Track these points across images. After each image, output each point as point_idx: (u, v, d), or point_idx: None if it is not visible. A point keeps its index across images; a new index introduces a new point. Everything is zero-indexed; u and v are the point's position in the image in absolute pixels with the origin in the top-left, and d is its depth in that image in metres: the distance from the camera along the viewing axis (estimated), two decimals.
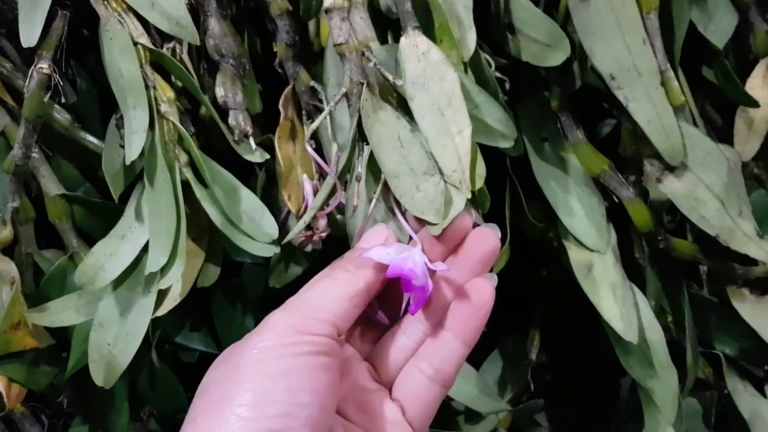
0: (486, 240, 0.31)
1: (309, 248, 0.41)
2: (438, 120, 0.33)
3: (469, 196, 0.32)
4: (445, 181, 0.32)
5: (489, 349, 0.49)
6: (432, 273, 0.30)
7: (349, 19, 0.33)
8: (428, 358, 0.30)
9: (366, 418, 0.30)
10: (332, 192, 0.33)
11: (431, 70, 0.33)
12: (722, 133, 0.48)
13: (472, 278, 0.31)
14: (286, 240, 0.34)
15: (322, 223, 0.37)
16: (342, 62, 0.33)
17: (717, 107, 0.49)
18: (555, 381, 0.51)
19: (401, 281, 0.29)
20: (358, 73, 0.33)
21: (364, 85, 0.32)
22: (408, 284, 0.29)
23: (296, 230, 0.34)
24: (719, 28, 0.45)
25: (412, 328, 0.31)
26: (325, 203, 0.34)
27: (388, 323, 0.32)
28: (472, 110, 0.33)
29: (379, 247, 0.30)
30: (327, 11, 0.32)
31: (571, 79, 0.44)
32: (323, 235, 0.37)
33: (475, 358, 0.49)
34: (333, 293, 0.28)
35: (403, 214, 0.32)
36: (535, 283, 0.49)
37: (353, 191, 0.33)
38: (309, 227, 0.36)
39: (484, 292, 0.30)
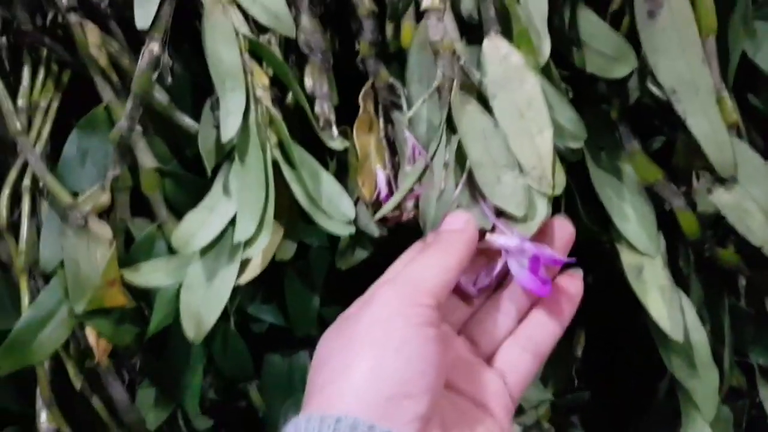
0: (564, 229, 0.35)
1: (377, 234, 0.43)
2: (517, 120, 0.36)
3: (550, 193, 0.35)
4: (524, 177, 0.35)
5: None
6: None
7: (444, 20, 0.36)
8: (530, 334, 0.34)
9: (471, 387, 0.33)
10: (420, 177, 0.36)
11: (511, 73, 0.37)
12: (763, 156, 0.51)
13: None
14: (378, 216, 0.37)
15: (410, 204, 0.39)
16: (435, 59, 0.36)
17: (761, 133, 0.51)
18: (592, 382, 0.53)
19: (528, 264, 0.33)
20: (450, 69, 0.36)
21: (455, 80, 0.36)
22: (535, 268, 0.33)
23: (387, 208, 0.37)
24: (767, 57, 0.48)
25: (507, 306, 0.35)
26: (413, 187, 0.37)
27: (476, 295, 0.35)
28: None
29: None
30: (425, 12, 0.35)
31: (628, 94, 0.47)
32: (411, 215, 0.40)
33: None
34: (433, 266, 0.31)
35: (491, 204, 0.35)
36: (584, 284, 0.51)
37: (440, 177, 0.36)
38: (397, 208, 0.39)
39: (577, 283, 0.36)
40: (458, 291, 0.35)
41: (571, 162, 0.46)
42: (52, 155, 0.43)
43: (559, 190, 0.36)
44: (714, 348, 0.47)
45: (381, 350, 0.27)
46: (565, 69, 0.46)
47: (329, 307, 0.47)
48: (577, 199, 0.46)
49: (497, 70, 0.37)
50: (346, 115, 0.44)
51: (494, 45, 0.37)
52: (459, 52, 0.37)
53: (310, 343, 0.47)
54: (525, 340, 0.34)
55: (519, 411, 0.49)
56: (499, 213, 0.36)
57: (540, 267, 0.33)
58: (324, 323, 0.47)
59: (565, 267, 0.37)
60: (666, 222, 0.46)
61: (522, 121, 0.36)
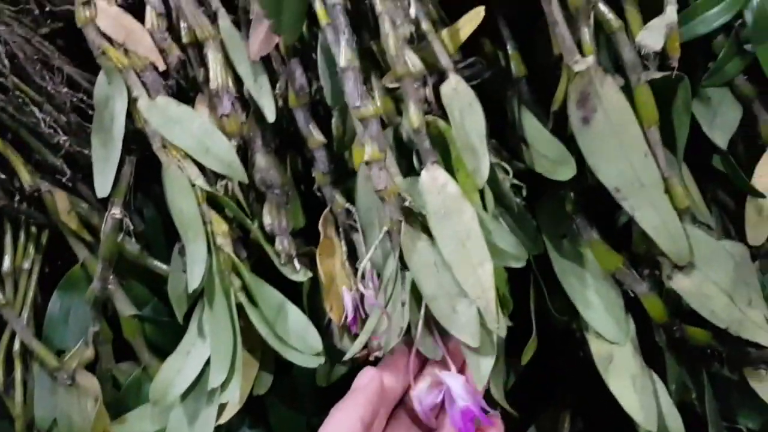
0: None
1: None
2: (460, 250, 0.38)
3: (496, 324, 0.36)
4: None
5: (524, 428, 0.52)
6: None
7: (385, 167, 0.37)
8: None
9: None
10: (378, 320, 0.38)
11: (450, 203, 0.38)
12: (736, 216, 0.51)
13: None
14: (343, 360, 0.39)
15: (376, 343, 0.41)
16: (382, 204, 0.38)
17: (729, 192, 0.51)
18: None
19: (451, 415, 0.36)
20: (397, 213, 0.38)
21: (402, 222, 0.37)
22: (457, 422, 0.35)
23: (352, 352, 0.39)
24: (724, 123, 0.49)
25: None
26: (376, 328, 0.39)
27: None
28: (486, 236, 0.38)
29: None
30: (367, 163, 0.37)
31: (586, 178, 0.48)
32: (378, 353, 0.42)
33: None
34: (339, 425, 0.35)
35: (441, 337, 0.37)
36: (565, 366, 0.52)
37: (399, 315, 0.38)
38: (365, 347, 0.41)
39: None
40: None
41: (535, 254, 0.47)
42: (42, 311, 0.46)
43: (502, 328, 0.37)
44: (702, 414, 0.48)
45: None
46: (520, 161, 0.47)
47: (319, 417, 0.48)
48: (544, 289, 0.47)
49: (436, 200, 0.38)
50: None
51: (432, 176, 0.39)
52: (404, 194, 0.39)
53: None
54: None
55: None
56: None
57: (471, 417, 0.35)
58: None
59: None
60: (637, 301, 0.46)
61: (464, 251, 0.38)
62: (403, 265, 0.39)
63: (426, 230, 0.39)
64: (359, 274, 0.39)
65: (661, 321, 0.45)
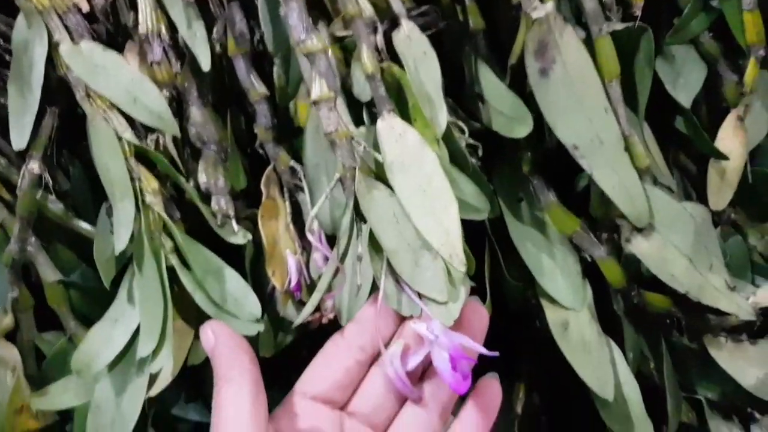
0: (478, 314, 0.35)
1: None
2: (421, 198, 0.35)
3: (464, 270, 0.34)
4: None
5: None
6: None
7: (336, 108, 0.34)
8: None
9: None
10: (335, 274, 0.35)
11: (409, 151, 0.35)
12: (697, 181, 0.49)
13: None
14: (294, 325, 0.36)
15: (329, 303, 0.38)
16: (333, 149, 0.35)
17: (691, 156, 0.50)
18: None
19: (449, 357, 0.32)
20: (349, 158, 0.35)
21: (357, 169, 0.34)
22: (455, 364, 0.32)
23: (304, 315, 0.36)
24: (688, 82, 0.47)
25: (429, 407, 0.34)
26: (329, 286, 0.36)
27: (412, 393, 0.34)
28: None
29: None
30: (315, 103, 0.34)
31: (545, 141, 0.45)
32: (331, 316, 0.39)
33: None
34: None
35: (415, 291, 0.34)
36: (520, 337, 0.50)
37: (356, 271, 0.35)
38: (317, 309, 0.38)
39: (493, 391, 0.35)
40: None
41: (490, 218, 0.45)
42: None
43: (471, 269, 0.34)
44: (661, 385, 0.46)
45: None
46: (477, 121, 0.44)
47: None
48: (500, 256, 0.45)
49: (395, 150, 0.36)
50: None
51: (389, 125, 0.36)
52: (357, 138, 0.36)
53: None
54: None
55: None
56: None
57: (459, 363, 0.32)
58: None
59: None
60: (596, 266, 0.45)
61: (426, 199, 0.35)
62: (359, 217, 0.35)
63: (382, 181, 0.36)
64: (307, 227, 0.36)
65: (619, 286, 0.43)
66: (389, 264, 0.34)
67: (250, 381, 0.31)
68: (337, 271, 0.36)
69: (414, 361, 0.33)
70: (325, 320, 0.39)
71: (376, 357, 0.35)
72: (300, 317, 0.36)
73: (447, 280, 0.34)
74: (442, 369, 0.32)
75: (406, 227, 0.35)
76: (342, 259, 0.36)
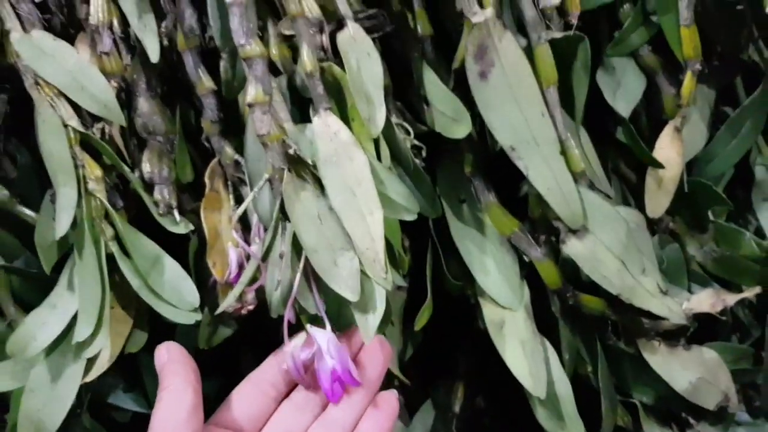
0: (383, 348, 0.37)
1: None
2: (350, 199, 0.36)
3: (384, 276, 0.35)
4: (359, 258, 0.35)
5: (422, 399, 0.51)
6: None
7: (270, 111, 0.35)
8: None
9: None
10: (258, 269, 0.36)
11: (341, 150, 0.36)
12: (636, 189, 0.51)
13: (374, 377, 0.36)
14: (217, 313, 0.37)
15: (250, 296, 0.39)
16: (264, 150, 0.36)
17: (631, 164, 0.51)
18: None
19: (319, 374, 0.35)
20: (279, 160, 0.36)
21: (285, 170, 0.35)
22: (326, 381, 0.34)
23: (225, 305, 0.37)
24: (627, 93, 0.48)
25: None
26: (253, 279, 0.36)
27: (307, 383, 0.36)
28: (378, 186, 0.36)
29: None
30: (250, 105, 0.35)
31: (487, 145, 0.47)
32: (251, 307, 0.40)
33: (409, 407, 0.51)
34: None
35: (321, 293, 0.36)
36: (458, 336, 0.51)
37: (277, 267, 0.36)
38: (239, 300, 0.38)
39: (392, 403, 0.36)
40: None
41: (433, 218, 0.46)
42: None
43: (389, 281, 0.35)
44: (597, 387, 0.47)
45: None
46: (423, 124, 0.46)
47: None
48: (441, 254, 0.45)
49: (328, 148, 0.37)
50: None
51: (324, 122, 0.37)
52: (289, 140, 0.37)
53: None
54: None
55: None
56: None
57: (337, 377, 0.34)
58: None
59: None
60: (535, 269, 0.46)
61: (354, 199, 0.36)
62: (285, 216, 0.36)
63: (314, 181, 0.37)
64: (233, 220, 0.36)
65: (555, 287, 0.44)
66: (307, 263, 0.36)
67: (191, 392, 0.33)
68: (258, 267, 0.37)
69: (306, 355, 0.35)
70: (245, 311, 0.40)
71: (286, 393, 0.37)
72: (221, 307, 0.37)
73: (359, 281, 0.35)
74: (322, 375, 0.35)
75: (328, 227, 0.36)
76: (267, 254, 0.37)
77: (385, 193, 0.37)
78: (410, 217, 0.38)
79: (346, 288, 0.35)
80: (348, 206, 0.36)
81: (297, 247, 0.36)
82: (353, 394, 0.35)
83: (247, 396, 0.36)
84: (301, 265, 0.36)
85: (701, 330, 0.47)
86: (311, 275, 0.36)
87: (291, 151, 0.37)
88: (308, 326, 0.35)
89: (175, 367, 0.33)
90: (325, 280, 0.35)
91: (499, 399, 0.51)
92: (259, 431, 0.36)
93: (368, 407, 0.36)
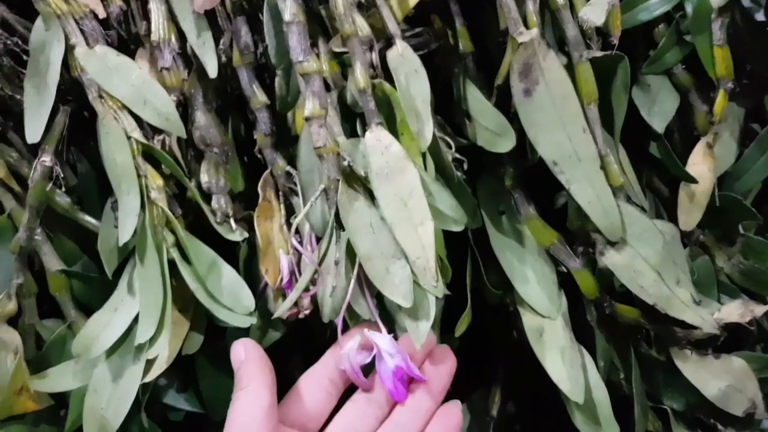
0: (448, 358, 0.38)
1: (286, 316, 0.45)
2: (401, 209, 0.38)
3: (435, 284, 0.36)
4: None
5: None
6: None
7: (326, 125, 0.37)
8: None
9: None
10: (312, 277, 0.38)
11: (393, 164, 0.38)
12: (668, 203, 0.52)
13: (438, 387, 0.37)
14: (274, 317, 0.39)
15: (306, 301, 0.41)
16: (320, 162, 0.38)
17: (663, 179, 0.53)
18: None
19: (381, 375, 0.36)
20: (334, 172, 0.37)
21: (340, 181, 0.37)
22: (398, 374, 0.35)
23: (282, 309, 0.39)
24: (662, 110, 0.50)
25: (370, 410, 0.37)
26: (309, 285, 0.38)
27: (366, 385, 0.37)
28: (427, 197, 0.38)
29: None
30: (307, 119, 0.37)
31: (526, 158, 0.48)
32: (307, 312, 0.41)
33: None
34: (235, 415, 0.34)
35: (374, 299, 0.37)
36: (498, 341, 0.52)
37: (332, 274, 0.37)
38: (295, 305, 0.40)
39: (455, 414, 0.37)
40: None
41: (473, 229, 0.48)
42: None
43: (439, 290, 0.37)
44: (629, 394, 0.49)
45: None
46: (464, 138, 0.47)
47: None
48: (480, 264, 0.47)
49: (380, 161, 0.38)
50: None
51: (376, 137, 0.39)
52: (343, 152, 0.39)
53: None
54: None
55: None
56: None
57: (401, 376, 0.35)
58: None
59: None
60: (572, 278, 0.47)
61: (405, 210, 0.38)
62: (340, 225, 0.38)
63: (366, 192, 0.39)
64: (292, 230, 0.38)
65: (592, 297, 0.45)
66: (361, 270, 0.37)
67: (268, 393, 0.34)
68: (315, 272, 0.38)
69: (363, 358, 0.37)
70: (301, 315, 0.42)
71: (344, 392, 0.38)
72: (278, 311, 0.39)
73: (412, 288, 0.37)
74: (384, 375, 0.36)
75: (381, 236, 0.37)
76: (321, 261, 0.39)
77: (434, 204, 0.39)
78: (457, 228, 0.40)
79: (399, 294, 0.37)
80: (399, 217, 0.37)
81: (351, 254, 0.38)
82: (418, 399, 0.36)
83: (309, 392, 0.37)
84: (355, 271, 0.37)
85: (727, 340, 0.49)
86: (365, 282, 0.38)
87: (345, 164, 0.38)
88: (366, 330, 0.36)
89: (252, 367, 0.35)
90: (378, 287, 0.37)
91: (535, 405, 0.52)
92: (322, 428, 0.37)
93: (433, 418, 0.37)
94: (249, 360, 0.35)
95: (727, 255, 0.53)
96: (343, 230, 0.38)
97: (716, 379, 0.47)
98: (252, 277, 0.45)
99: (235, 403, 0.34)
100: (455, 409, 0.38)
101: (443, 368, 0.38)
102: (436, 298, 0.37)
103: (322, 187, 0.38)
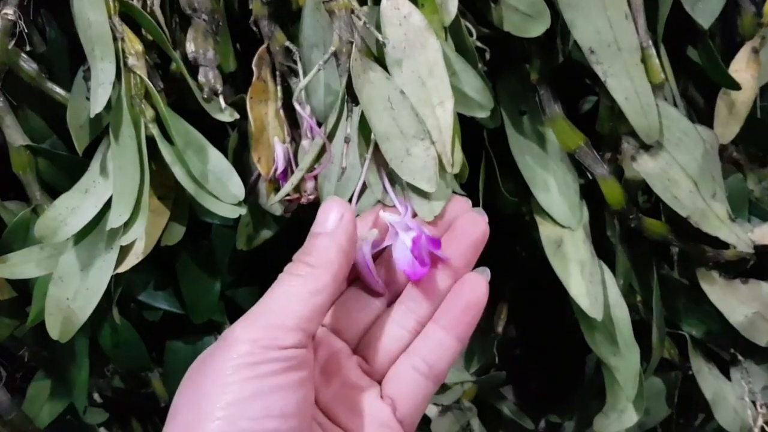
0: (477, 226, 0.31)
1: (280, 212, 0.40)
2: (418, 88, 0.32)
3: (449, 170, 0.32)
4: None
5: None
6: (429, 254, 0.30)
7: None
8: (422, 354, 0.30)
9: (355, 420, 0.29)
10: (319, 154, 0.33)
11: (412, 36, 0.33)
12: (703, 115, 0.48)
13: (462, 264, 0.30)
14: (273, 202, 0.34)
15: (310, 185, 0.36)
16: (331, 20, 0.32)
17: (700, 88, 0.48)
18: (523, 355, 0.51)
19: (396, 255, 0.30)
20: (347, 32, 0.32)
21: (354, 45, 0.32)
22: (404, 259, 0.29)
23: (284, 192, 0.34)
24: (707, 8, 0.45)
25: (404, 317, 0.30)
26: (313, 165, 0.33)
27: (383, 293, 0.31)
28: (450, 78, 0.33)
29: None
30: None
31: (554, 54, 0.43)
32: (311, 197, 0.36)
33: None
34: (295, 293, 0.26)
35: (390, 180, 0.32)
36: (506, 256, 0.48)
37: (341, 154, 0.32)
38: (296, 189, 0.35)
39: (478, 287, 0.30)
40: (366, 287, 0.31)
41: (490, 129, 0.43)
42: None
43: (457, 169, 0.32)
44: (646, 319, 0.45)
45: (234, 404, 0.24)
46: (485, 27, 0.42)
47: (237, 288, 0.44)
48: (496, 168, 0.43)
49: (397, 32, 0.33)
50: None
51: (394, 4, 0.33)
52: (357, 12, 0.33)
53: (217, 328, 0.44)
54: (419, 361, 0.30)
55: (442, 389, 0.47)
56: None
57: (419, 247, 0.29)
58: (234, 306, 0.44)
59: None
60: (593, 189, 0.43)
61: (423, 89, 0.33)
62: (352, 98, 0.33)
63: (384, 65, 0.34)
64: (295, 97, 0.33)
65: (618, 207, 0.41)
66: (376, 149, 0.32)
67: (334, 288, 0.27)
68: (323, 150, 0.33)
69: (378, 245, 0.31)
70: (304, 201, 0.37)
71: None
72: (278, 195, 0.34)
73: (437, 172, 0.32)
74: (399, 255, 0.30)
75: (401, 113, 0.32)
76: (329, 139, 0.33)
77: (457, 86, 0.34)
78: (483, 114, 0.35)
79: (422, 179, 0.31)
80: (417, 95, 0.32)
81: (365, 131, 0.33)
82: (440, 277, 0.30)
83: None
84: (370, 151, 0.32)
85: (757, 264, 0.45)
86: (380, 163, 0.33)
87: (360, 23, 0.33)
88: (381, 212, 0.31)
89: (333, 251, 0.27)
90: (396, 170, 0.32)
91: (545, 323, 0.49)
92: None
93: (452, 289, 0.30)
94: (336, 236, 0.28)
95: (758, 177, 0.49)
96: (356, 104, 0.33)
97: (743, 305, 0.44)
98: (242, 168, 0.41)
99: (287, 278, 0.27)
100: (481, 279, 0.30)
101: (467, 241, 0.31)
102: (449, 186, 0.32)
103: (333, 49, 0.32)
